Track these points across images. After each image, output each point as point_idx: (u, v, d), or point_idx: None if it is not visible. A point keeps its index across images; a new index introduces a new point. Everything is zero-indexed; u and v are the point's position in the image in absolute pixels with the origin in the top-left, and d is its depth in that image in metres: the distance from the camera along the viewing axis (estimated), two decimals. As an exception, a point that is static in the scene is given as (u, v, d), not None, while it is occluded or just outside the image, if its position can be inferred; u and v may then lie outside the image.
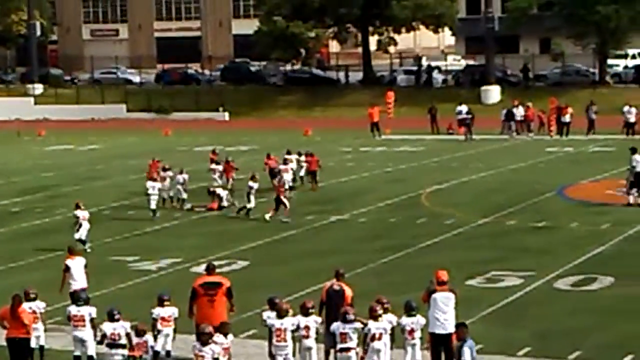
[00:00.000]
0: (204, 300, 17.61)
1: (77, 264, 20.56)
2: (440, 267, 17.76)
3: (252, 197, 31.81)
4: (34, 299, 17.96)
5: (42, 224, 32.13)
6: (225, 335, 15.76)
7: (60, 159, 49.57)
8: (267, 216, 31.08)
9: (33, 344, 17.63)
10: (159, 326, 17.43)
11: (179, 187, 34.21)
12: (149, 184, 32.80)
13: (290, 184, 35.78)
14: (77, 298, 17.73)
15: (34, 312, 17.75)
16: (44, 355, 18.03)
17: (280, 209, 31.14)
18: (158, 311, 17.52)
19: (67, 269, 20.46)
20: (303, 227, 30.10)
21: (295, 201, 33.73)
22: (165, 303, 17.57)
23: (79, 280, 20.35)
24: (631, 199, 31.83)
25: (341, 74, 77.05)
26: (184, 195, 34.13)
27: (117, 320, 16.53)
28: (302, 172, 37.91)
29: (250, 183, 32.15)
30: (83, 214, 27.94)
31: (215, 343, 15.37)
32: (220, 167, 37.59)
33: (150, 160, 37.44)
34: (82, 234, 27.54)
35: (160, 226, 31.08)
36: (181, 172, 34.73)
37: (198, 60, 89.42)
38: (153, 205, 32.37)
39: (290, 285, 22.14)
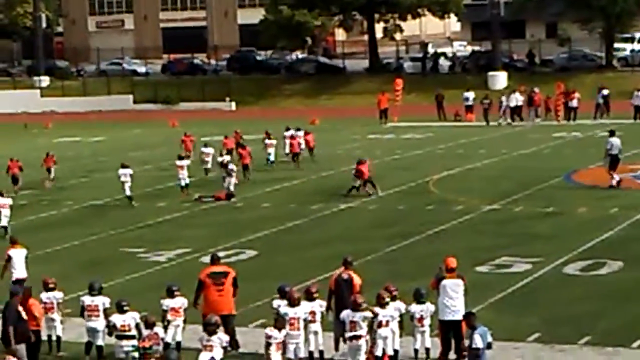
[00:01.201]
0: (213, 289, 17.62)
1: (18, 254, 21.10)
2: (449, 254, 17.73)
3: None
4: (53, 289, 18.11)
5: (49, 216, 32.16)
6: (280, 329, 15.71)
7: (67, 151, 49.56)
8: (379, 192, 32.37)
9: (45, 334, 17.77)
10: (169, 317, 17.42)
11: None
12: (121, 171, 33.21)
13: (272, 158, 39.97)
14: (90, 287, 17.76)
15: (52, 302, 17.91)
16: (60, 346, 18.08)
17: (369, 186, 32.52)
18: (168, 302, 17.50)
19: (9, 258, 21.00)
20: (311, 216, 30.08)
21: (304, 190, 33.80)
22: (175, 294, 17.57)
23: (18, 270, 20.86)
24: (614, 182, 32.04)
25: (347, 62, 76.95)
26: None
27: (126, 311, 16.56)
28: (287, 150, 40.90)
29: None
30: (4, 201, 28.53)
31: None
32: (212, 150, 39.03)
33: (183, 135, 42.60)
34: (3, 221, 28.28)
35: (165, 218, 31.06)
36: (221, 155, 36.82)
37: (204, 50, 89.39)
38: (128, 192, 32.84)
39: (299, 274, 22.12)
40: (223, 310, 17.10)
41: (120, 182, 33.00)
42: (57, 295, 18.09)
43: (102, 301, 17.42)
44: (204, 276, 17.82)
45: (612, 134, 33.00)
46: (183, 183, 34.52)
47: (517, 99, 53.52)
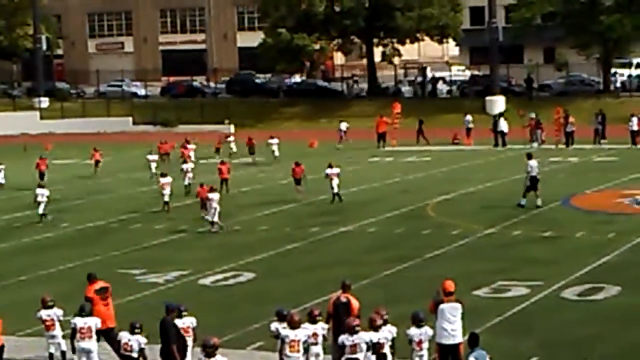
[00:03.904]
0: (102, 304, 18.44)
1: None
2: (447, 277, 17.74)
3: None
4: (52, 307, 18.15)
5: (45, 238, 32.12)
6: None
7: (66, 172, 49.63)
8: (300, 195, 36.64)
9: (52, 349, 18.02)
10: None
11: None
12: (38, 190, 35.15)
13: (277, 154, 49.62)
14: (81, 309, 17.79)
15: (52, 319, 17.98)
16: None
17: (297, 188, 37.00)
18: (176, 322, 17.34)
19: None
20: (309, 239, 30.10)
21: (302, 212, 33.78)
22: (183, 314, 17.47)
23: None
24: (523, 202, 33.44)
25: (346, 85, 77.18)
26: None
27: (137, 334, 16.59)
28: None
29: None
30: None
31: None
32: (156, 157, 46.85)
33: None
34: None
35: (163, 239, 31.03)
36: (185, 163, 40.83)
37: (203, 73, 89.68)
38: (41, 210, 34.54)
39: (297, 297, 22.11)
40: (111, 322, 18.25)
41: (36, 202, 34.79)
42: (58, 312, 18.15)
43: (94, 322, 17.47)
44: (92, 293, 18.46)
45: (529, 157, 34.48)
46: (167, 199, 35.61)
47: (502, 124, 54.23)
